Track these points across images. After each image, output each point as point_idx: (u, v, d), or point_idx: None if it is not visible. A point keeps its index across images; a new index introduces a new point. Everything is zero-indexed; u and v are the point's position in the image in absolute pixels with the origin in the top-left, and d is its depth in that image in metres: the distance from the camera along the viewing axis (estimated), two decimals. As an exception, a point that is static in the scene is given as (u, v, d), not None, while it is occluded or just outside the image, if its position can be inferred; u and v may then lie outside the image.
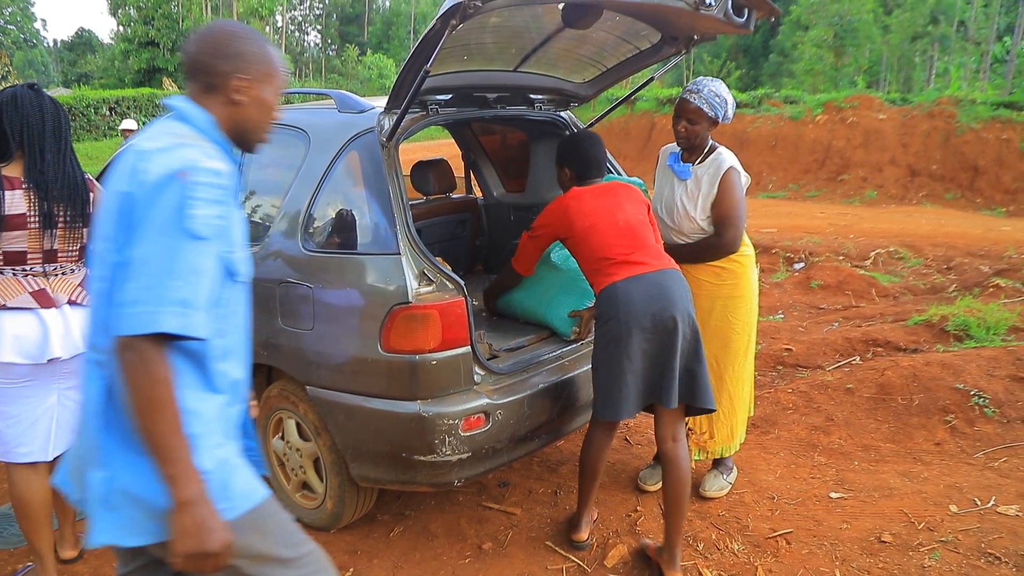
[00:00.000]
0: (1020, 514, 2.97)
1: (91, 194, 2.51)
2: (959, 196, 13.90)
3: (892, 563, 2.70)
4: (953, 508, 3.05)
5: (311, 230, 2.73)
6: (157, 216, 1.29)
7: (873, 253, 8.22)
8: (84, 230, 2.50)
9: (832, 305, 6.53)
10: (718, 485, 3.22)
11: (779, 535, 2.90)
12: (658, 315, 2.53)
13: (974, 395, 3.91)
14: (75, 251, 2.51)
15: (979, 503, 3.08)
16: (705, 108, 2.86)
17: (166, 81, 36.48)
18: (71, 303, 2.47)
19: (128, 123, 9.39)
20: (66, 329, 2.43)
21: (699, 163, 2.97)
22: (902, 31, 30.25)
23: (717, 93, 2.88)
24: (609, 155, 3.06)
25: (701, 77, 3.05)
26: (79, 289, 2.50)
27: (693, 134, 2.91)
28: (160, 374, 1.27)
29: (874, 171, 15.09)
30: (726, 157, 2.95)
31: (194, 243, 1.30)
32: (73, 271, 2.52)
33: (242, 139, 1.55)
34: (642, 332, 2.54)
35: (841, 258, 8.05)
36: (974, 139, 14.51)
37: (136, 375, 1.27)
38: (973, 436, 3.73)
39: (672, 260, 2.71)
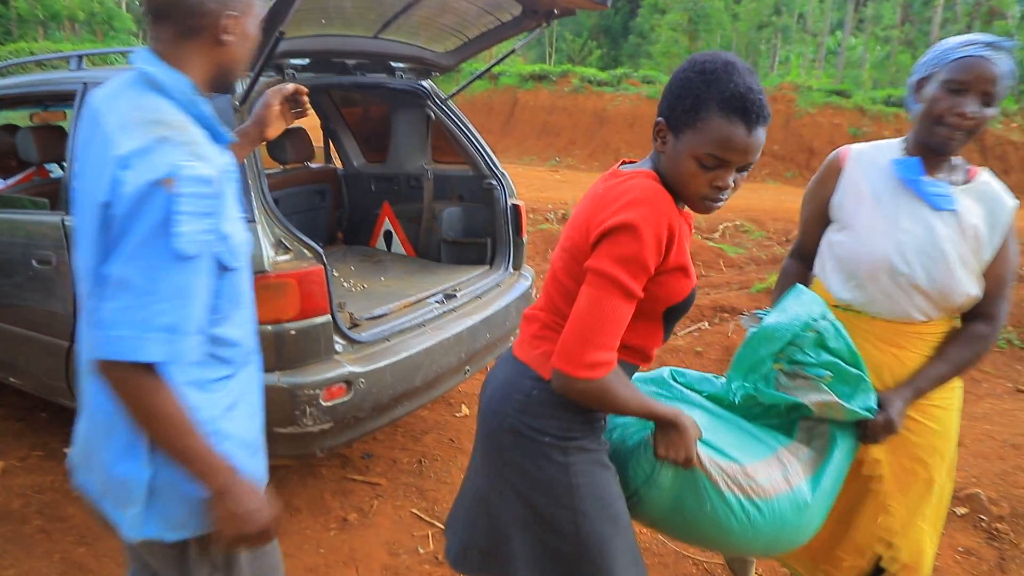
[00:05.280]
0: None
1: None
2: (797, 175, 15.02)
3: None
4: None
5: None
6: (139, 232, 1.12)
7: (721, 227, 8.75)
8: None
9: (684, 276, 6.91)
10: None
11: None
12: None
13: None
14: None
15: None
16: (1005, 84, 1.60)
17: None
18: None
19: None
20: None
21: (961, 185, 1.72)
22: (750, 19, 32.00)
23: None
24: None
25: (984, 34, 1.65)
26: None
27: (982, 124, 1.62)
28: (147, 393, 1.16)
29: (723, 150, 16.02)
30: (998, 184, 1.74)
31: (181, 263, 1.15)
32: None
33: (225, 81, 1.36)
34: None
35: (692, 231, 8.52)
36: (810, 122, 15.72)
37: (125, 395, 1.17)
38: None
39: None
